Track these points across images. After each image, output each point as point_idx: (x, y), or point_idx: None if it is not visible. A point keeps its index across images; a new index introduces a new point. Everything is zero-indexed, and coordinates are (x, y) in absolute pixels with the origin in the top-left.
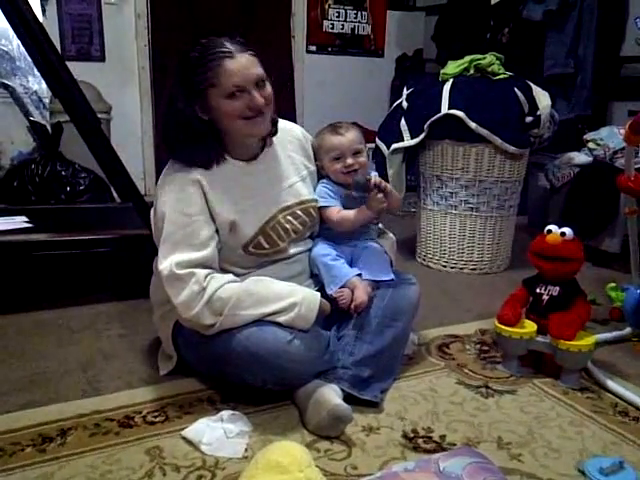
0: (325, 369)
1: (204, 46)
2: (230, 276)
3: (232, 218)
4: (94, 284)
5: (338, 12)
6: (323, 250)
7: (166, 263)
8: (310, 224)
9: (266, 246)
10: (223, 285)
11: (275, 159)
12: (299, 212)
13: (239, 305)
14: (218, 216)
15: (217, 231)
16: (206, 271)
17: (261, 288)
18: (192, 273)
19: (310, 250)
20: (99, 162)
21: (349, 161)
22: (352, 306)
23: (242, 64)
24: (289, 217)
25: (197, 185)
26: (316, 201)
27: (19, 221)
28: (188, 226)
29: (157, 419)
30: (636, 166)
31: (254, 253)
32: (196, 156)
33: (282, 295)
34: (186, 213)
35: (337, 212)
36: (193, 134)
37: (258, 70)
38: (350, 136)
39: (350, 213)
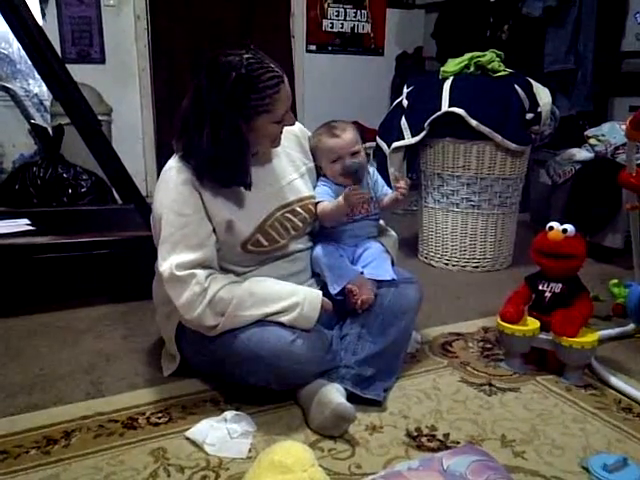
0: (328, 368)
1: (252, 67)
2: (231, 276)
3: (228, 218)
4: (96, 286)
5: (337, 11)
6: (325, 250)
7: (166, 265)
8: (310, 221)
9: (265, 244)
10: (225, 286)
11: (273, 156)
12: (299, 209)
13: (241, 305)
14: (214, 216)
15: (214, 230)
16: (207, 272)
17: (263, 288)
18: (193, 274)
19: (311, 249)
20: (100, 164)
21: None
22: (358, 302)
23: (288, 88)
24: (288, 215)
25: (192, 185)
26: (315, 197)
27: (21, 224)
28: (185, 226)
29: (161, 420)
30: (638, 162)
31: (253, 251)
32: (238, 177)
33: (284, 295)
34: (182, 213)
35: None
36: (237, 154)
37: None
38: (347, 137)
39: (326, 204)
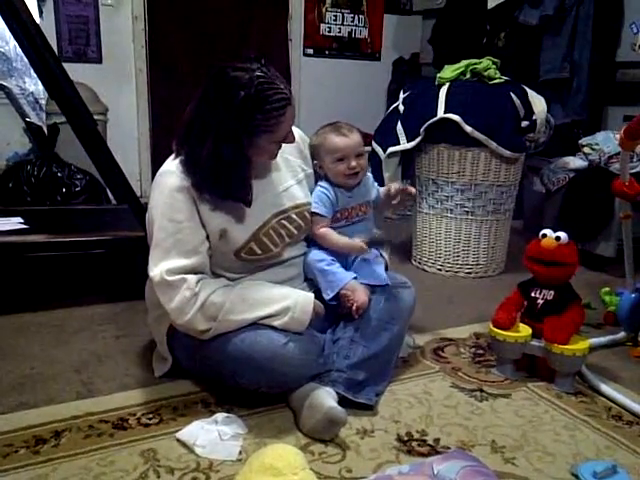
0: (320, 372)
1: (262, 88)
2: (223, 280)
3: (222, 226)
4: (89, 285)
5: (335, 15)
6: (318, 255)
7: (157, 270)
8: (305, 228)
9: (259, 252)
10: (216, 290)
11: (270, 162)
12: (294, 216)
13: (233, 310)
14: (208, 224)
15: (208, 237)
16: (197, 276)
17: (254, 292)
18: (183, 279)
19: (305, 254)
20: (95, 164)
21: (353, 164)
22: (353, 308)
23: (293, 109)
24: (284, 221)
25: (187, 192)
26: (311, 204)
27: (14, 222)
28: (178, 233)
29: (151, 421)
30: (631, 171)
31: (246, 259)
32: (237, 192)
33: (275, 299)
34: (175, 220)
35: (321, 226)
36: (237, 170)
37: None
38: (355, 138)
39: (335, 238)
